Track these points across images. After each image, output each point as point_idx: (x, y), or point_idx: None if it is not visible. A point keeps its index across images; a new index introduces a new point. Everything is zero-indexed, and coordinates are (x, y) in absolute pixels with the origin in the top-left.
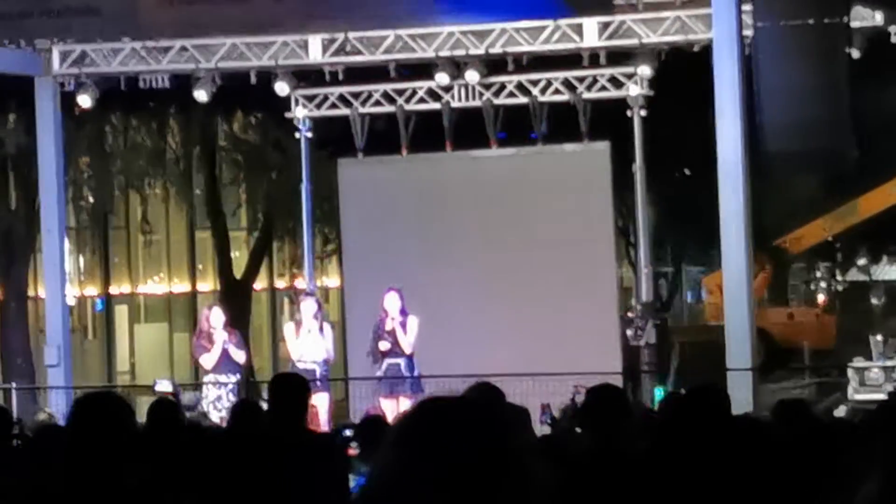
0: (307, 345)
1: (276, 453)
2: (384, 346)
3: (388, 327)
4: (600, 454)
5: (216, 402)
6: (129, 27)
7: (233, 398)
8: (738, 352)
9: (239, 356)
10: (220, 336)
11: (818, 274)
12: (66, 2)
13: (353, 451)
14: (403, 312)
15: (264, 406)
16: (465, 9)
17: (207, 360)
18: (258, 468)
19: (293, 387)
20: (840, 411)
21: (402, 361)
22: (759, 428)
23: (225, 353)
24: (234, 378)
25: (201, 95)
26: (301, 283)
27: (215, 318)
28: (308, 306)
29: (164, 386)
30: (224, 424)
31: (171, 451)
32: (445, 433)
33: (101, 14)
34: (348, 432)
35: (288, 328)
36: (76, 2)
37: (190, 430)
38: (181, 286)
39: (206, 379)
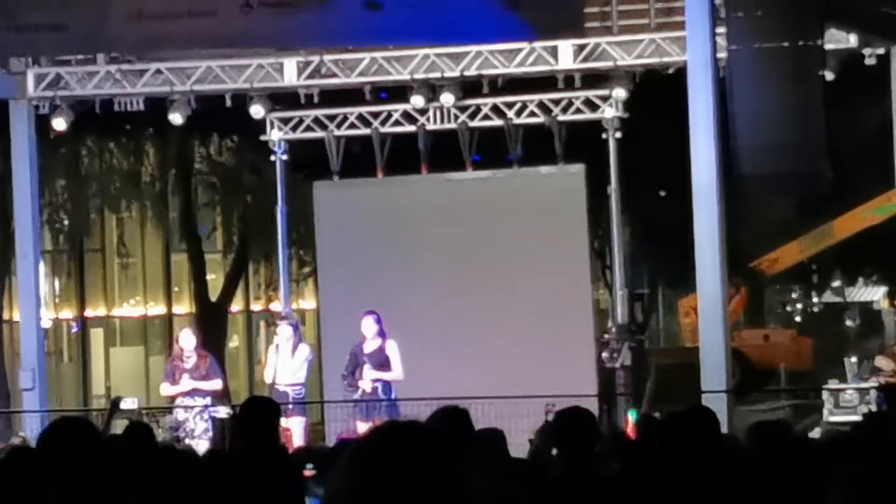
0: (282, 368)
1: (238, 475)
2: (367, 376)
3: (367, 350)
4: (572, 476)
5: (183, 424)
6: (97, 43)
7: (200, 422)
8: (713, 374)
9: (209, 386)
10: (188, 383)
11: (794, 296)
12: (33, 18)
13: (309, 472)
14: (381, 335)
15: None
16: (439, 30)
17: (166, 389)
18: (220, 490)
19: (261, 410)
20: (815, 433)
21: (378, 385)
22: (739, 450)
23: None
24: (201, 402)
25: (176, 118)
26: (277, 306)
27: (185, 340)
28: (284, 331)
29: (128, 404)
30: (194, 447)
31: (143, 474)
32: (398, 459)
33: (69, 30)
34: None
35: (270, 351)
36: (44, 18)
37: (162, 452)
38: (157, 309)
39: (177, 401)
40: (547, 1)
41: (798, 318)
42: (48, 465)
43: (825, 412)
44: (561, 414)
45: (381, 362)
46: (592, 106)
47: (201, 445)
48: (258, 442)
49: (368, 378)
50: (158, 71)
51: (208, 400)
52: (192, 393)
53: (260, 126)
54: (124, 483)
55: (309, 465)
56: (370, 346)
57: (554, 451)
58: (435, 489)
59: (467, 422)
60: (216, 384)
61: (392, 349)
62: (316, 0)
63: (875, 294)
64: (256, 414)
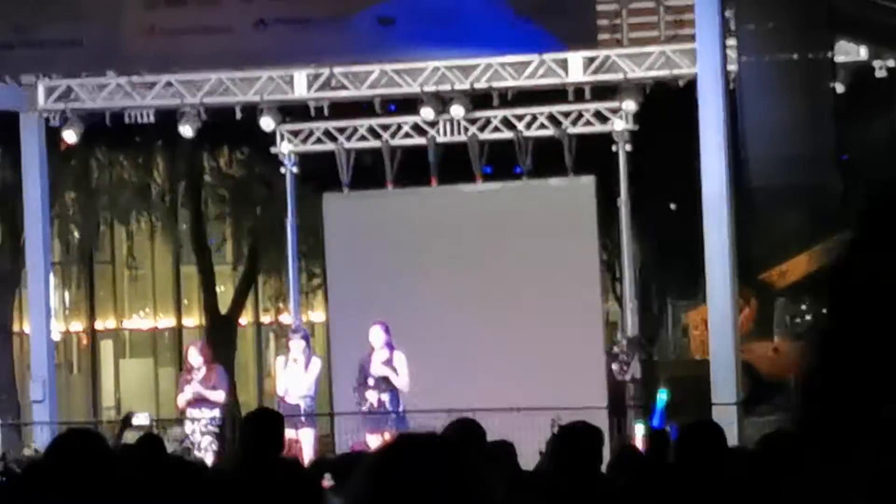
0: (295, 382)
1: (249, 488)
2: (374, 372)
3: (375, 361)
4: (578, 490)
5: (191, 436)
6: (111, 59)
7: (206, 434)
8: (723, 386)
9: (213, 395)
10: (193, 387)
11: (803, 308)
12: (48, 34)
13: (328, 483)
14: (389, 347)
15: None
16: (452, 43)
17: (179, 399)
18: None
19: (266, 421)
20: None
21: (386, 396)
22: (748, 462)
23: (199, 395)
24: (208, 413)
25: (187, 131)
26: (286, 318)
27: (192, 356)
28: (297, 344)
29: (141, 419)
30: (202, 459)
31: (154, 487)
32: (417, 470)
33: (83, 45)
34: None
35: (279, 362)
36: (59, 34)
37: (172, 465)
38: (167, 321)
39: (188, 414)
40: (559, 11)
41: (808, 331)
42: (57, 478)
43: None
44: (564, 429)
45: (389, 373)
46: (602, 118)
47: (207, 458)
48: (263, 453)
49: (376, 374)
50: (169, 83)
51: (215, 412)
52: (198, 404)
53: (270, 138)
54: (132, 492)
55: (327, 476)
56: (378, 356)
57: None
58: (454, 501)
59: (481, 434)
60: (220, 395)
61: (399, 360)
62: (329, 16)
63: None
64: (260, 425)
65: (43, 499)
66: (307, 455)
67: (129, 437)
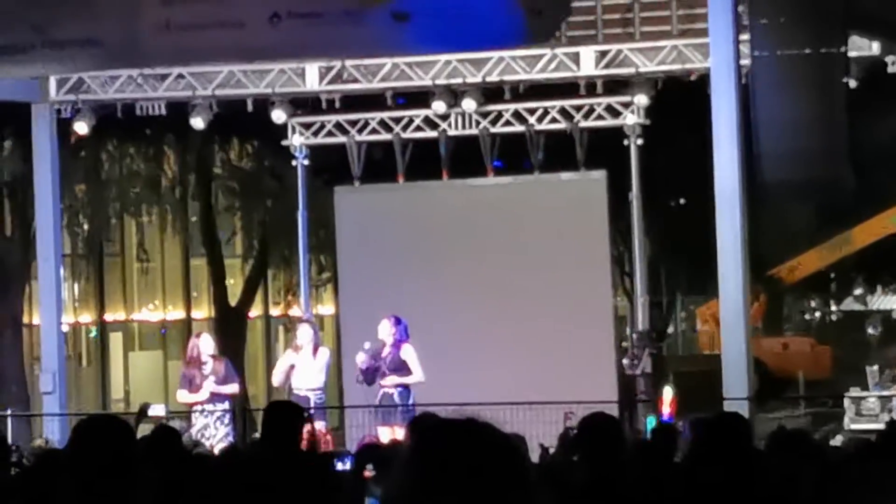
0: (303, 370)
1: (271, 479)
2: (387, 383)
3: (384, 354)
4: (594, 483)
5: (203, 430)
6: (130, 56)
7: (221, 427)
8: (735, 381)
9: (228, 389)
10: (209, 385)
11: (813, 304)
12: (67, 34)
13: (369, 473)
14: (398, 340)
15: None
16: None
17: (184, 396)
18: (255, 495)
19: (287, 413)
20: (836, 441)
21: (395, 390)
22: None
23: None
24: (220, 406)
25: (198, 123)
26: (296, 311)
27: (205, 345)
28: (305, 331)
29: (156, 409)
30: (215, 452)
31: (172, 478)
32: (463, 451)
33: (103, 45)
34: (340, 464)
35: (287, 353)
36: (76, 33)
37: (190, 457)
38: (176, 313)
39: (195, 407)
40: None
41: (817, 326)
42: (80, 466)
43: (846, 420)
44: (585, 420)
45: (397, 367)
46: (614, 112)
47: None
48: (284, 446)
49: (388, 384)
50: (180, 75)
51: (226, 404)
52: (212, 398)
53: (281, 131)
54: (146, 481)
55: (369, 466)
56: (387, 350)
57: (575, 458)
58: (502, 479)
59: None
60: (234, 388)
61: (408, 353)
62: (344, 11)
63: (894, 302)
64: (281, 418)
65: (66, 488)
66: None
67: (144, 428)
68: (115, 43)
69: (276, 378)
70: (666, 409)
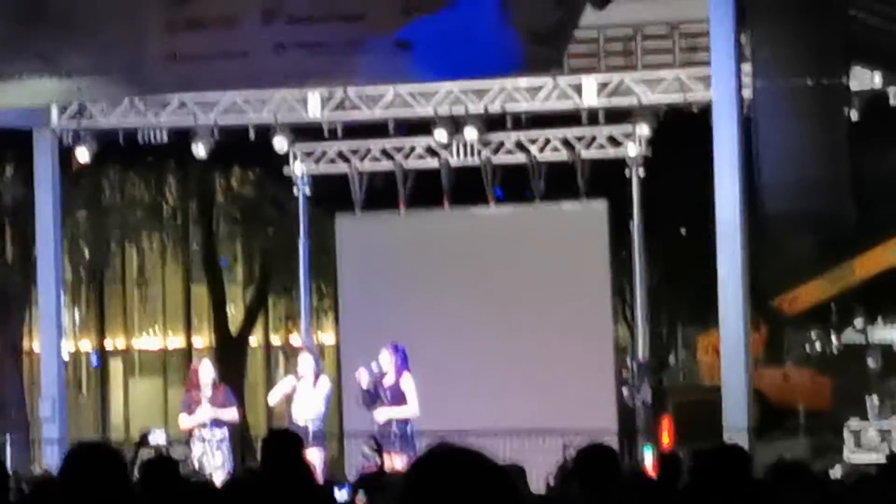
0: (303, 400)
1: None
2: (380, 417)
3: (385, 384)
4: None
5: (201, 457)
6: (138, 85)
7: (218, 453)
8: (735, 412)
9: (227, 415)
10: (206, 411)
11: (813, 335)
12: (74, 63)
13: (361, 500)
14: (398, 369)
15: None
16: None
17: (184, 420)
18: None
19: (286, 442)
20: (836, 472)
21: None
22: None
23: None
24: (218, 433)
25: (200, 150)
26: (296, 339)
27: (204, 371)
28: (306, 360)
29: (157, 437)
30: (213, 478)
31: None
32: (457, 480)
33: (110, 73)
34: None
35: (287, 379)
36: (83, 63)
37: (186, 486)
38: (176, 341)
39: (194, 433)
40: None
41: (818, 358)
42: (70, 496)
43: (846, 451)
44: (583, 450)
45: (397, 398)
46: (616, 143)
47: (217, 477)
48: (283, 475)
49: (383, 418)
50: (182, 103)
51: (225, 430)
52: (211, 424)
53: (282, 158)
54: None
55: (360, 494)
56: (387, 380)
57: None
58: None
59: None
60: (233, 412)
61: (407, 384)
62: (347, 40)
63: (895, 335)
64: (280, 447)
65: None
66: (317, 477)
67: (145, 453)
68: (121, 72)
69: (273, 398)
70: (665, 439)
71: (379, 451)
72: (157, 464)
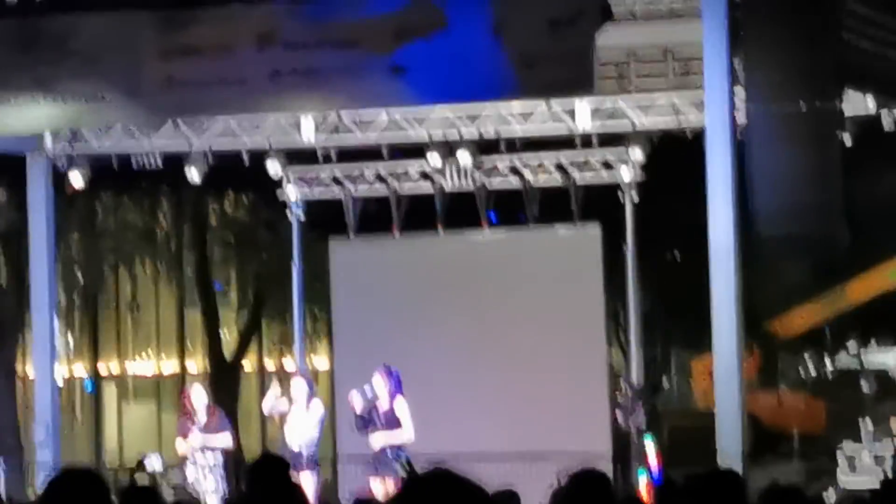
0: (295, 424)
1: None
2: (375, 443)
3: (380, 408)
4: None
5: (195, 482)
6: (134, 111)
7: (211, 477)
8: (729, 437)
9: (221, 440)
10: (198, 437)
11: (807, 358)
12: (71, 89)
13: None
14: (391, 393)
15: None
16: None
17: (180, 445)
18: None
19: (273, 467)
20: (830, 496)
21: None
22: None
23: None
24: (211, 458)
25: (193, 175)
26: (290, 364)
27: (196, 395)
28: (299, 385)
29: (152, 462)
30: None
31: None
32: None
33: (107, 100)
34: None
35: (275, 388)
36: (81, 89)
37: None
38: (170, 365)
39: (188, 458)
40: (560, 60)
41: (812, 381)
42: None
43: (840, 475)
44: (576, 475)
45: (391, 423)
46: (609, 166)
47: (212, 502)
48: (275, 498)
49: (378, 444)
50: (176, 127)
51: (219, 455)
52: (203, 449)
53: (276, 183)
54: None
55: None
56: (381, 404)
57: None
58: None
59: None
60: (226, 437)
61: (401, 409)
62: (342, 66)
63: (890, 358)
64: (267, 470)
65: None
66: (310, 501)
67: (141, 478)
68: (119, 99)
69: (266, 405)
70: (653, 462)
71: (411, 470)
72: (135, 491)
